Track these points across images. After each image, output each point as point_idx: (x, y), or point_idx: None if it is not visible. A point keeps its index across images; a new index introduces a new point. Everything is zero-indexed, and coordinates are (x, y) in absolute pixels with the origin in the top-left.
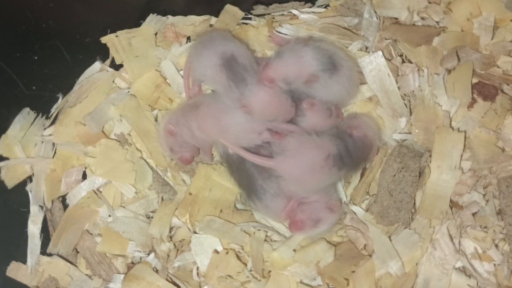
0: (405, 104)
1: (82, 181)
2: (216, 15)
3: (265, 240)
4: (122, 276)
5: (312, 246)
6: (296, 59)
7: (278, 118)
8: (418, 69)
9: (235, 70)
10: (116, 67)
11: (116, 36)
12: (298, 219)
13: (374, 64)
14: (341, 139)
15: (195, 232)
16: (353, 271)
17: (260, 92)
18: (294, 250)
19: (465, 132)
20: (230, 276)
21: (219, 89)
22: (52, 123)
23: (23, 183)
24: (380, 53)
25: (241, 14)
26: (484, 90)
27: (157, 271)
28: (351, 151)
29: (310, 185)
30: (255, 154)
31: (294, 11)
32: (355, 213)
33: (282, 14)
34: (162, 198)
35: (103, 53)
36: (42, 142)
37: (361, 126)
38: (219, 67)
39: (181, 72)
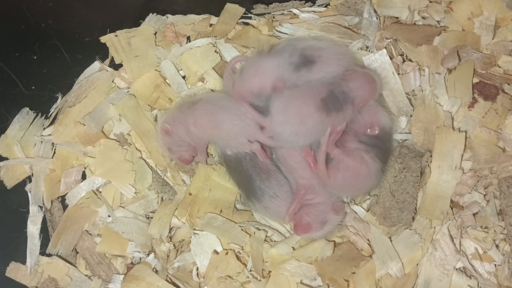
0: (410, 101)
1: (82, 181)
2: (216, 14)
3: (265, 240)
4: (122, 276)
5: (311, 244)
6: (254, 72)
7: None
8: (419, 68)
9: (334, 104)
10: (116, 66)
11: (116, 35)
12: (304, 222)
13: (379, 62)
14: (370, 145)
15: (194, 229)
16: (353, 272)
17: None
18: (293, 248)
19: (465, 132)
20: (230, 276)
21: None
22: (52, 123)
23: (23, 183)
24: (384, 51)
25: (242, 10)
26: (485, 90)
27: (156, 271)
28: (382, 148)
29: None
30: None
31: (295, 10)
32: (356, 213)
33: (283, 13)
34: (162, 198)
35: (102, 52)
36: (42, 142)
37: (374, 123)
38: (319, 114)
39: (181, 72)
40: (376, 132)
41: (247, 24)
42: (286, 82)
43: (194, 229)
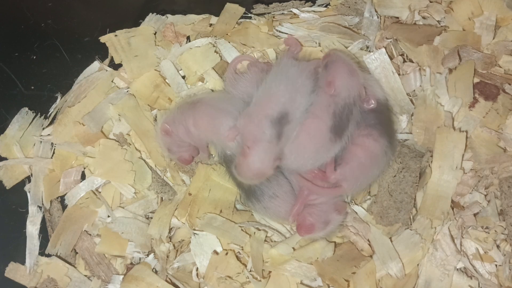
0: (411, 100)
1: (81, 181)
2: (216, 14)
3: (265, 240)
4: (121, 277)
5: (311, 244)
6: (251, 173)
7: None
8: (420, 69)
9: (343, 124)
10: (115, 66)
11: (115, 35)
12: (308, 223)
13: (378, 61)
14: (371, 126)
15: (194, 229)
16: (354, 272)
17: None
18: (294, 249)
19: (466, 132)
20: (229, 277)
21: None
22: (51, 123)
23: (22, 183)
24: (383, 50)
25: (242, 10)
26: (486, 90)
27: (156, 272)
28: (381, 119)
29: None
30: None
31: (295, 10)
32: (356, 213)
33: (283, 13)
34: (161, 198)
35: (102, 52)
36: (41, 142)
37: (369, 96)
38: (333, 143)
39: (181, 72)
40: (373, 105)
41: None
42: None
43: (194, 229)
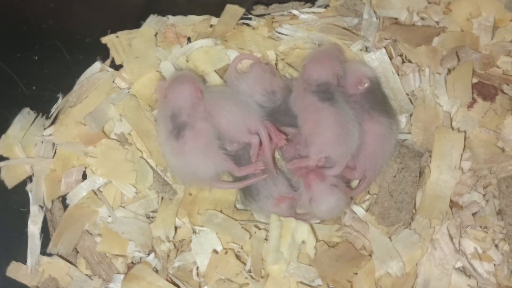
0: (410, 100)
1: (82, 181)
2: (216, 15)
3: (265, 239)
4: (122, 276)
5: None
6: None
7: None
8: (419, 69)
9: (328, 94)
10: (116, 67)
11: (117, 36)
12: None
13: (379, 61)
14: (369, 109)
15: (194, 232)
16: (356, 273)
17: None
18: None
19: (465, 132)
20: (229, 277)
21: None
22: (52, 123)
23: (23, 183)
24: (383, 50)
25: (242, 11)
26: (484, 90)
27: (157, 271)
28: (375, 98)
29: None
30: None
31: (294, 11)
32: (355, 213)
33: (282, 14)
34: (162, 197)
35: (103, 53)
36: (42, 142)
37: (361, 77)
38: (327, 104)
39: None
40: (367, 84)
41: (247, 25)
42: None
43: (194, 226)
